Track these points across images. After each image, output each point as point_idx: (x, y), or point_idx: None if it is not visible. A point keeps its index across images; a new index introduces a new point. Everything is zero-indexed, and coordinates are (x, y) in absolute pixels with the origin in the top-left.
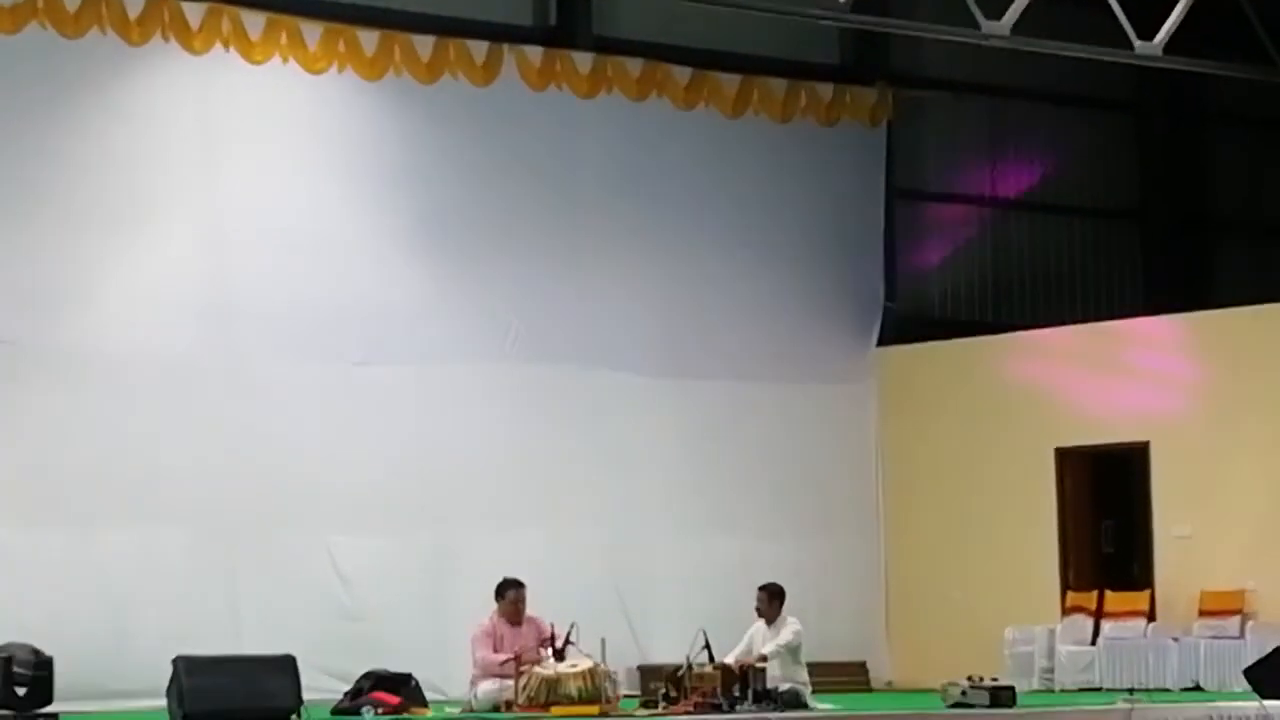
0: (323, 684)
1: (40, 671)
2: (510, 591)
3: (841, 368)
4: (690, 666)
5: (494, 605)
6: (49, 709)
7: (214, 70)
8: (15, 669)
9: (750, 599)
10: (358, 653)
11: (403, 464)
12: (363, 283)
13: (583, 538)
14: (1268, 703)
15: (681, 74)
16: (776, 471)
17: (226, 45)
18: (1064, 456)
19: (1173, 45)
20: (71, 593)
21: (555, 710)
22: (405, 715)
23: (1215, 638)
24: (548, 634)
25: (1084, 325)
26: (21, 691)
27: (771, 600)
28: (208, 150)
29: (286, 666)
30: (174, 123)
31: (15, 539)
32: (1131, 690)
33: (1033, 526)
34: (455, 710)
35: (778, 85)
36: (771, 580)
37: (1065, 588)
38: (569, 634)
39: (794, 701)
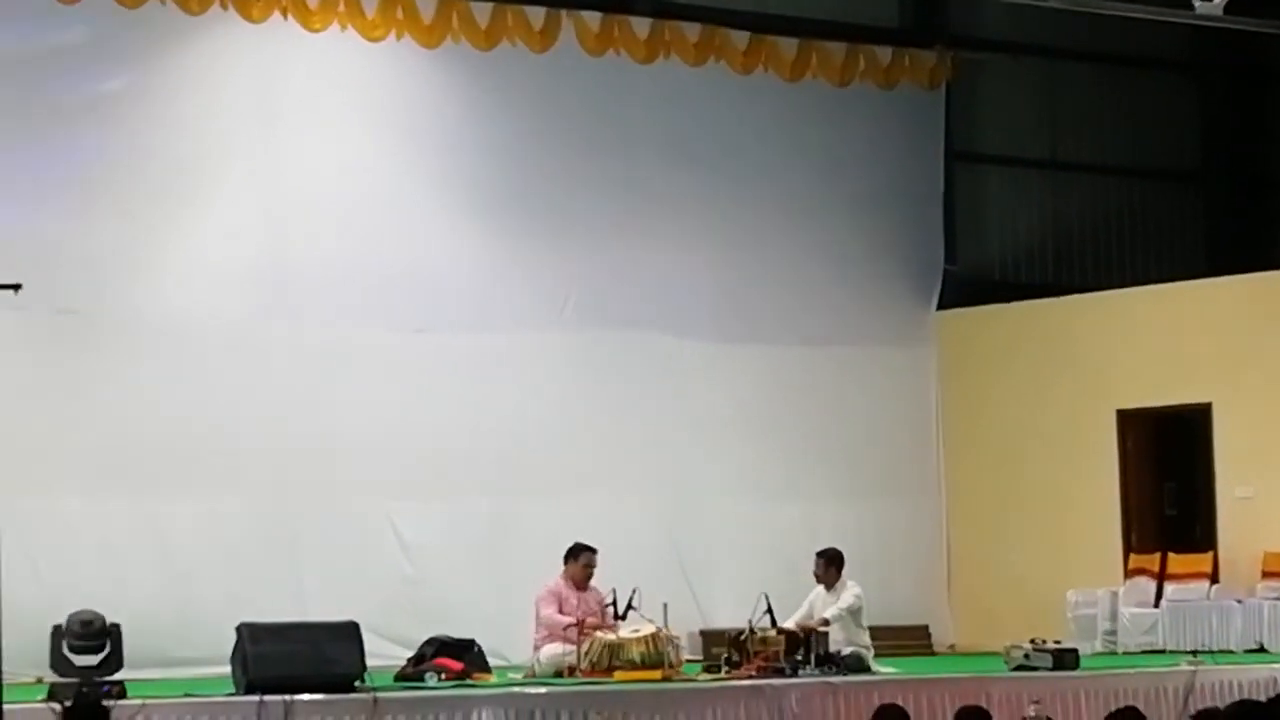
0: (385, 650)
1: (105, 639)
2: (584, 554)
3: (902, 331)
4: (753, 631)
5: (559, 569)
6: (115, 676)
7: (273, 38)
8: (75, 639)
9: (811, 563)
10: (420, 619)
11: (463, 431)
12: (421, 250)
13: (644, 503)
14: None
15: (740, 39)
16: (837, 435)
17: (285, 13)
18: (1125, 418)
19: (1233, 5)
20: (135, 560)
21: (618, 675)
22: (469, 681)
23: (1279, 599)
24: (605, 602)
25: (1145, 287)
26: (96, 660)
27: (828, 566)
28: (267, 118)
29: (350, 633)
30: (234, 91)
31: (79, 507)
32: (1195, 652)
33: (1094, 489)
34: (518, 675)
35: (836, 49)
36: (830, 545)
37: (1128, 550)
38: (631, 599)
39: (857, 665)
